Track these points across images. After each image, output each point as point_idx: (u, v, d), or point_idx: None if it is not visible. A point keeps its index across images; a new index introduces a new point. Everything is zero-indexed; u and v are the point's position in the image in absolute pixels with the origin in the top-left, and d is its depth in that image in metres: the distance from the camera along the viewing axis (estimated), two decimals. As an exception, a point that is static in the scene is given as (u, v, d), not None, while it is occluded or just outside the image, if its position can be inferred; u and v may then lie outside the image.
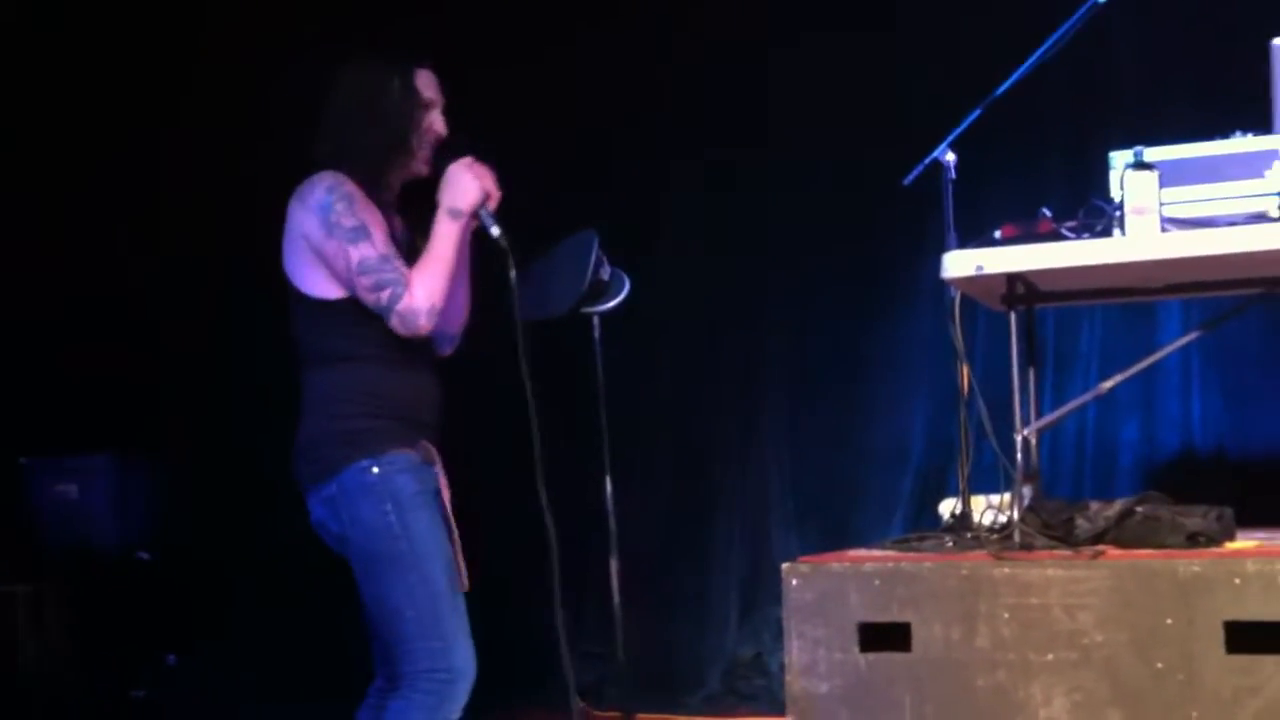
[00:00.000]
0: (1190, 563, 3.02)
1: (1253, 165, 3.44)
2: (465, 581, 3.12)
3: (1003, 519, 3.52)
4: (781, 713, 3.31)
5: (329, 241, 3.01)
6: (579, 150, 5.35)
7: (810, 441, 5.24)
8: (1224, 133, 3.68)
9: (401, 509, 3.02)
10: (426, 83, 3.17)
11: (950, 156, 3.69)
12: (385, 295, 3.01)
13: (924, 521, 4.39)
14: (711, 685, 4.98)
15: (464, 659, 3.03)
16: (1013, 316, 3.64)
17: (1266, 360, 4.21)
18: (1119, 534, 3.30)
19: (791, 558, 3.33)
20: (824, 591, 3.25)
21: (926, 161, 3.71)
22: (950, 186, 3.68)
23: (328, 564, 5.19)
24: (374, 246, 3.01)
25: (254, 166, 5.57)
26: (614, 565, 4.03)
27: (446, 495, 3.17)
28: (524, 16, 5.38)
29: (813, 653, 3.23)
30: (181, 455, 5.74)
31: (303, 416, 3.14)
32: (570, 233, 3.89)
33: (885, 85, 4.93)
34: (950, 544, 3.48)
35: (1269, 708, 2.88)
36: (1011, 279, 3.58)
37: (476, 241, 3.15)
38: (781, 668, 3.39)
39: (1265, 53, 3.60)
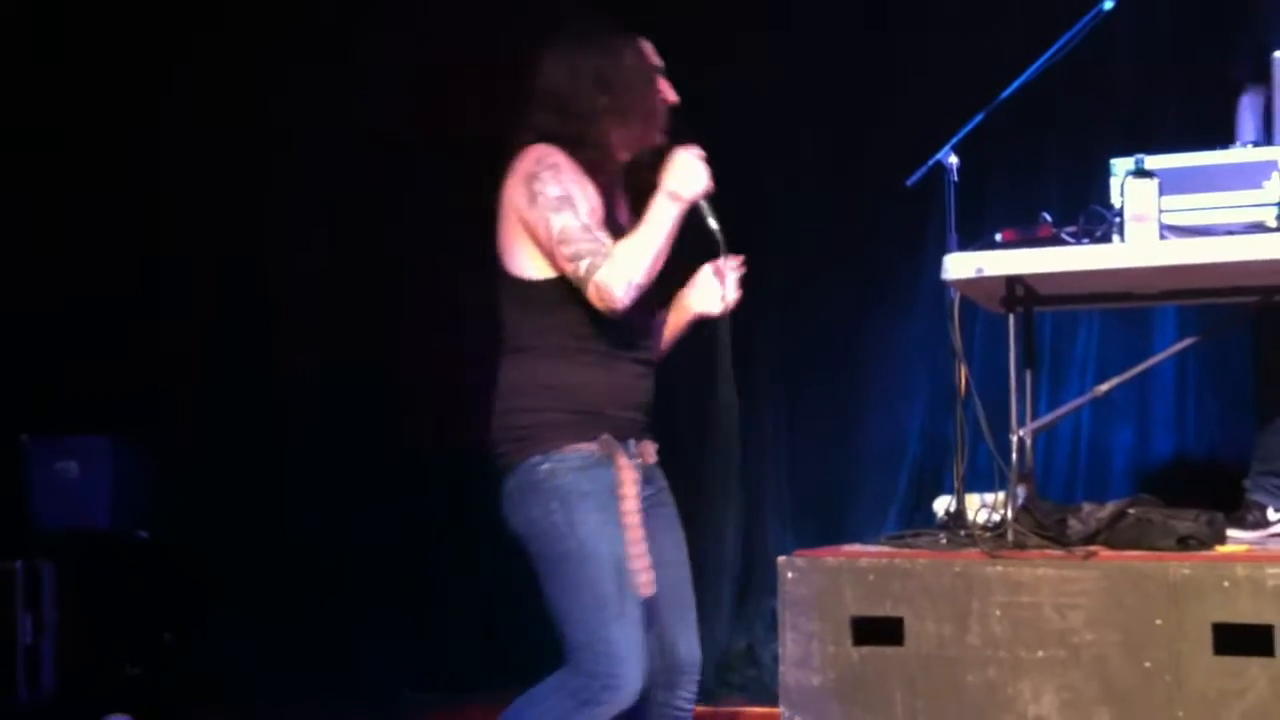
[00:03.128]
0: (1181, 565, 3.06)
1: (1251, 176, 3.48)
2: (649, 586, 2.96)
3: (996, 518, 3.55)
4: (773, 704, 3.35)
5: (532, 210, 2.93)
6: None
7: (807, 437, 5.29)
8: (1225, 143, 3.74)
9: (569, 508, 2.91)
10: (651, 50, 3.11)
11: (953, 159, 3.73)
12: (584, 265, 2.90)
13: (919, 519, 4.43)
14: (704, 676, 5.00)
15: (628, 669, 2.89)
16: (1011, 319, 3.68)
17: (1261, 366, 4.24)
18: (1111, 535, 3.33)
19: (787, 552, 3.36)
20: (819, 585, 3.28)
21: (930, 163, 3.75)
22: (953, 189, 3.73)
23: (328, 548, 5.25)
24: (577, 216, 2.92)
25: (251, 159, 5.64)
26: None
27: (657, 494, 3.09)
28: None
29: (806, 645, 3.27)
30: (182, 440, 5.77)
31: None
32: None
33: (889, 85, 4.97)
34: (944, 541, 3.51)
35: (1254, 709, 2.92)
36: (1011, 282, 3.62)
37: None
38: (774, 659, 3.43)
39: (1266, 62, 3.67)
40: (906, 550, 3.43)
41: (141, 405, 5.71)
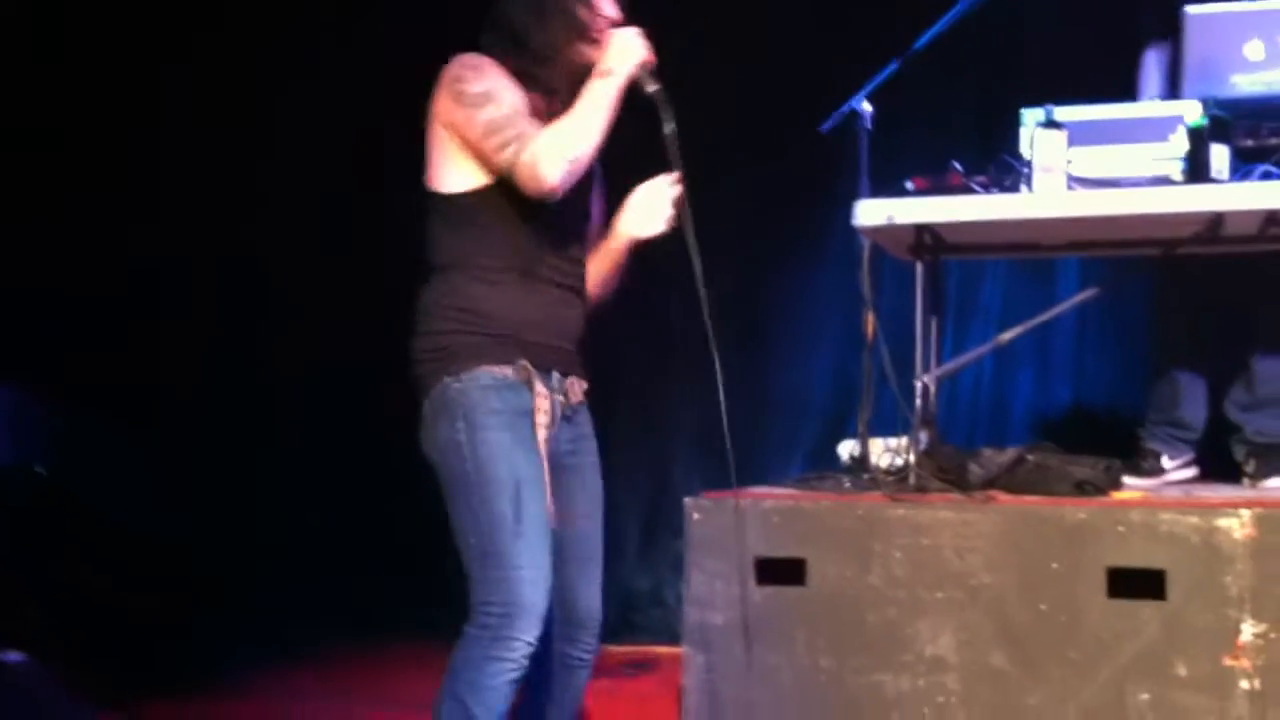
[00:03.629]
0: (1076, 510, 3.13)
1: (1158, 129, 3.54)
2: (553, 517, 2.85)
3: (899, 462, 3.61)
4: (677, 643, 3.38)
5: (458, 110, 2.84)
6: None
7: (714, 380, 5.29)
8: (1132, 96, 3.80)
9: (473, 427, 2.80)
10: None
11: (867, 106, 3.75)
12: (511, 149, 2.79)
13: (824, 463, 4.48)
14: (608, 615, 5.04)
15: (526, 593, 2.76)
16: (919, 267, 3.73)
17: (1163, 317, 4.32)
18: (1010, 480, 3.40)
19: (694, 494, 3.38)
20: (724, 526, 3.32)
21: (844, 110, 3.77)
22: (866, 136, 3.75)
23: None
24: (500, 107, 2.81)
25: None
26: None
27: (578, 440, 2.99)
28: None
29: (710, 585, 3.31)
30: (82, 385, 5.69)
31: None
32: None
33: (803, 31, 4.96)
34: (848, 485, 3.56)
35: (1146, 651, 3.00)
36: (920, 230, 3.66)
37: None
38: (679, 600, 3.47)
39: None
40: (811, 493, 3.47)
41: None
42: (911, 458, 3.53)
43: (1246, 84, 3.58)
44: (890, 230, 3.61)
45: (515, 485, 2.79)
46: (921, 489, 3.40)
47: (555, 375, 2.93)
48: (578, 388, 3.00)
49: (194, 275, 5.86)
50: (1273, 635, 2.94)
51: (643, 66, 2.90)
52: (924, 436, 3.68)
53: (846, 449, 3.95)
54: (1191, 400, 4.05)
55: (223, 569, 5.47)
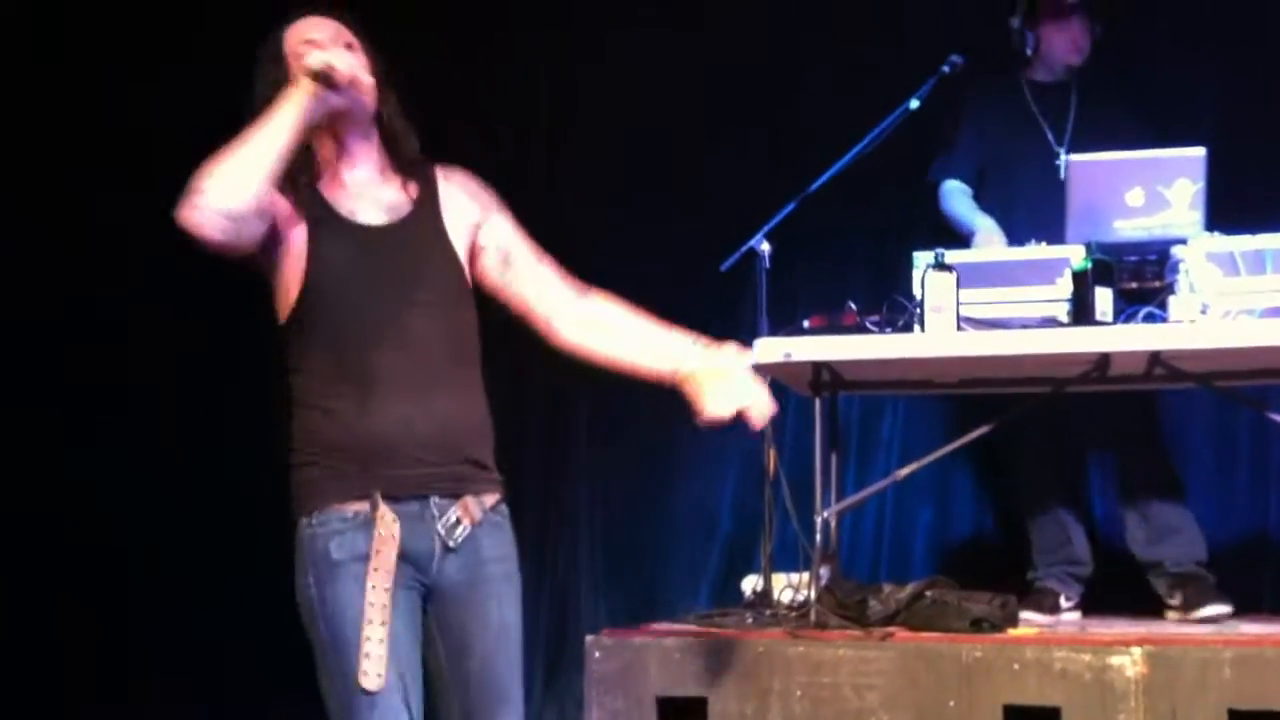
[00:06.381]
0: (974, 647, 3.17)
1: (1045, 272, 3.64)
2: (372, 679, 2.40)
3: (801, 597, 3.64)
4: (582, 782, 3.36)
5: None
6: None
7: (619, 509, 5.30)
8: (1020, 240, 3.91)
9: (321, 582, 2.45)
10: (298, 31, 2.60)
11: (765, 246, 3.83)
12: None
13: (729, 592, 4.49)
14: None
15: None
16: (818, 403, 3.79)
17: (1056, 454, 4.40)
18: (909, 616, 3.43)
19: (598, 624, 3.37)
20: (625, 664, 3.32)
21: (743, 250, 3.85)
22: (764, 275, 3.83)
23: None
24: None
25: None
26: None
27: (476, 565, 2.53)
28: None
29: (611, 724, 3.30)
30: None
31: None
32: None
33: (699, 167, 5.04)
34: (750, 620, 3.58)
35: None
36: (817, 366, 3.73)
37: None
38: (582, 737, 3.45)
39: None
40: (713, 629, 3.48)
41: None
42: (812, 593, 3.56)
43: (1129, 229, 3.70)
44: (789, 367, 3.67)
45: (358, 647, 2.42)
46: (822, 625, 3.42)
47: (431, 500, 2.50)
48: (472, 506, 2.53)
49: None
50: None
51: (315, 69, 2.43)
52: (825, 571, 3.71)
53: (749, 584, 3.97)
54: (1078, 538, 4.13)
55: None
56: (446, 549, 2.51)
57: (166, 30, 5.41)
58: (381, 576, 2.43)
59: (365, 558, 2.43)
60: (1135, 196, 3.70)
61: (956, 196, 4.27)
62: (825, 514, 3.73)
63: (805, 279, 4.50)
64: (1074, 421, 4.17)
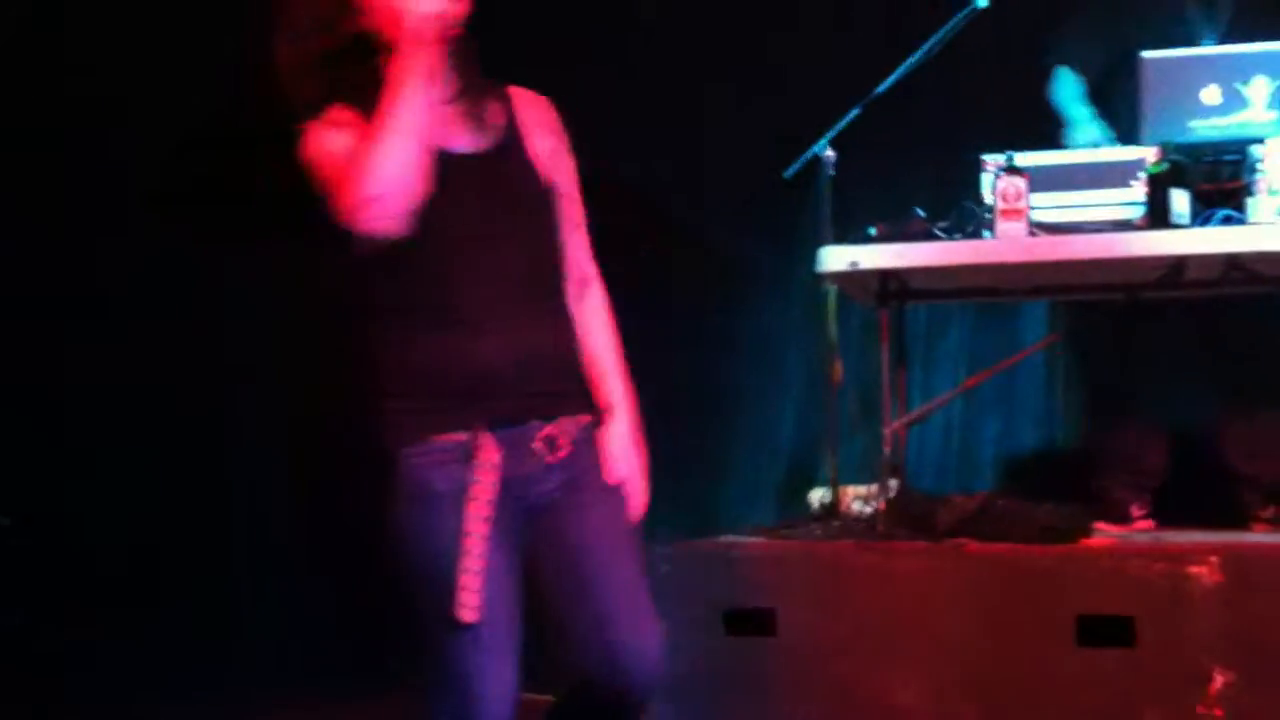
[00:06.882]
0: (1045, 557, 3.12)
1: (1119, 175, 3.56)
2: (470, 611, 2.35)
3: (868, 510, 3.60)
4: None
5: None
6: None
7: (682, 427, 5.28)
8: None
9: (419, 514, 2.41)
10: None
11: (830, 152, 3.76)
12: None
13: (793, 509, 4.46)
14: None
15: (458, 706, 2.39)
16: (884, 313, 3.73)
17: (1127, 363, 4.33)
18: (977, 527, 3.39)
19: (662, 539, 3.35)
20: (691, 575, 3.30)
21: (806, 156, 3.78)
22: (829, 182, 3.76)
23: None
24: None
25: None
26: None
27: (572, 481, 2.46)
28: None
29: (677, 635, 3.27)
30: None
31: None
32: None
33: (765, 77, 4.96)
34: (818, 533, 3.56)
35: (1115, 699, 2.99)
36: (884, 276, 3.67)
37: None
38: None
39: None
40: (780, 541, 3.46)
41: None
42: (880, 505, 3.52)
43: (1204, 128, 3.60)
44: (855, 276, 3.61)
45: (452, 581, 2.37)
46: (890, 536, 3.39)
47: (532, 425, 2.45)
48: (570, 426, 2.48)
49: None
50: (1244, 683, 2.93)
51: (440, 17, 2.33)
52: (893, 483, 3.67)
53: (816, 496, 3.95)
54: (1150, 448, 4.04)
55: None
56: (548, 469, 2.46)
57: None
58: (481, 506, 2.39)
59: (465, 488, 2.39)
60: (1211, 94, 3.60)
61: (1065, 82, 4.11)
62: (893, 425, 3.68)
63: (870, 187, 4.42)
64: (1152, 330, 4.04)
